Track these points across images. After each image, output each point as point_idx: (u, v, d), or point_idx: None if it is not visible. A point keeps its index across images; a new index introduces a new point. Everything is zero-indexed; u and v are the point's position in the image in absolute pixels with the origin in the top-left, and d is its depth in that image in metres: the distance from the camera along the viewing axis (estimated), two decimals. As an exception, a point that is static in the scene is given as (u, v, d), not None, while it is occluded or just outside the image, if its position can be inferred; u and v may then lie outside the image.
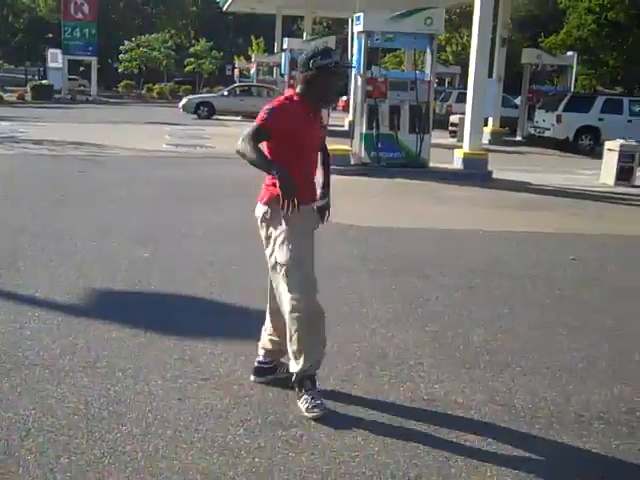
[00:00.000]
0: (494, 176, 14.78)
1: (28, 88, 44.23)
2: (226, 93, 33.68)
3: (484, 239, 9.17)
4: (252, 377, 4.48)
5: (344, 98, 31.92)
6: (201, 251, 7.79)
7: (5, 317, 5.44)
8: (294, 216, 3.95)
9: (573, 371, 4.90)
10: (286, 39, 26.92)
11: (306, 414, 4.03)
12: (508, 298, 6.57)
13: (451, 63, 44.75)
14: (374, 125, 14.89)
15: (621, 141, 15.14)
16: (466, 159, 15.14)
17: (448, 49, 49.16)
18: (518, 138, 26.11)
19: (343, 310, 5.80)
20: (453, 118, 24.65)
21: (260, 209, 4.19)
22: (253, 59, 42.88)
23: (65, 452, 3.57)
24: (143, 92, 53.11)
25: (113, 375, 4.48)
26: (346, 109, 21.47)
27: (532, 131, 24.54)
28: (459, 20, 45.88)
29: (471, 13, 16.34)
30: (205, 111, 31.91)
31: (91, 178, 12.95)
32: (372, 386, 4.51)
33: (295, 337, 4.05)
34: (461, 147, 15.89)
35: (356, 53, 15.25)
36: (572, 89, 27.73)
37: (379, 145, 14.94)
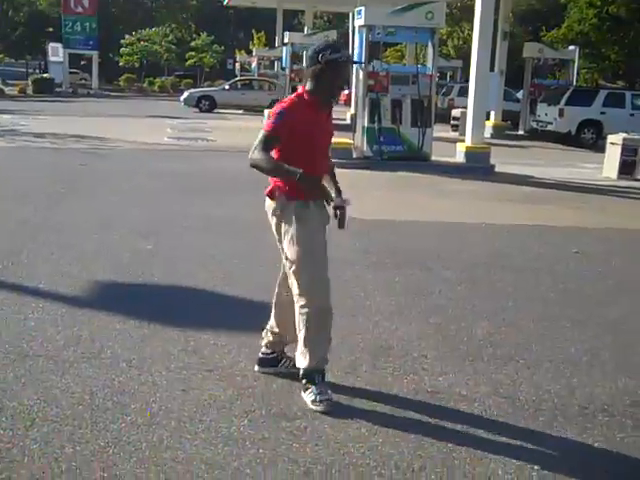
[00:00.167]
0: (496, 170, 14.76)
1: (29, 82, 44.24)
2: (227, 87, 33.68)
3: (487, 232, 9.16)
4: (256, 367, 4.49)
5: (346, 92, 31.92)
6: (203, 244, 7.79)
7: (9, 308, 5.44)
8: (305, 212, 3.97)
9: (577, 364, 4.90)
10: (287, 33, 26.91)
11: (312, 407, 4.02)
12: (511, 291, 6.57)
13: (452, 57, 44.68)
14: (376, 119, 14.88)
15: (624, 135, 15.12)
16: (468, 153, 15.12)
17: (449, 43, 49.06)
18: (520, 132, 26.06)
19: (347, 303, 5.79)
20: (455, 112, 24.61)
21: (269, 204, 4.14)
22: (254, 53, 42.85)
23: (70, 442, 3.57)
24: (144, 86, 53.05)
25: (117, 366, 4.49)
26: (348, 103, 21.44)
27: (534, 125, 24.50)
28: (460, 14, 45.77)
29: (472, 7, 16.32)
30: (206, 105, 31.89)
31: (93, 171, 12.94)
32: (376, 378, 4.51)
33: (303, 333, 4.05)
34: (463, 141, 15.87)
35: (357, 47, 15.22)
36: (574, 83, 27.67)
37: (381, 139, 14.93)
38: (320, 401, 4.03)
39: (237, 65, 51.34)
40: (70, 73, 49.66)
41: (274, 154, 3.98)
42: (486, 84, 15.58)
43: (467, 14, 40.41)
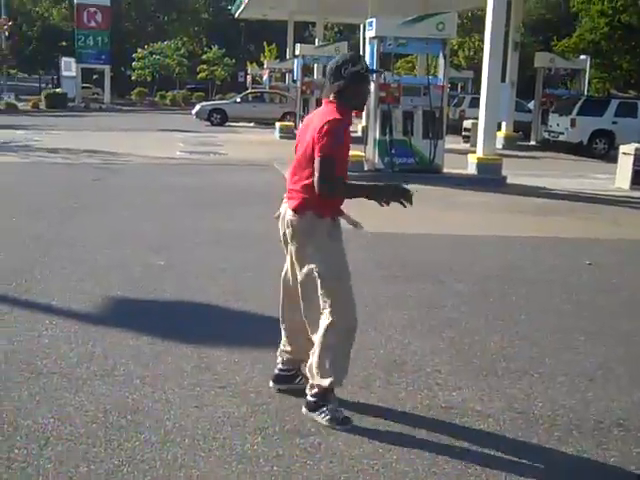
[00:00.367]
0: (508, 181, 14.74)
1: (42, 97, 44.60)
2: (239, 100, 33.83)
3: (499, 245, 9.14)
4: (271, 384, 4.46)
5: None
6: (215, 258, 7.80)
7: (23, 325, 5.47)
8: (336, 230, 3.98)
9: (592, 377, 4.87)
10: (298, 45, 26.93)
11: (327, 425, 3.98)
12: (524, 304, 6.54)
13: (463, 68, 44.69)
14: (387, 131, 14.89)
15: (636, 145, 15.04)
16: (480, 164, 15.10)
17: (460, 54, 49.11)
18: (532, 143, 26.03)
19: (359, 317, 5.75)
20: (466, 123, 24.60)
21: (295, 220, 4.02)
22: (265, 65, 43.01)
23: (84, 461, 3.58)
24: (156, 99, 53.37)
25: (131, 383, 4.49)
26: (359, 115, 21.46)
27: (546, 135, 24.46)
28: (471, 25, 45.86)
29: (483, 17, 16.33)
30: (218, 118, 32.03)
31: (105, 186, 13.00)
32: (389, 393, 4.50)
33: (327, 350, 3.98)
34: (475, 152, 15.85)
35: (369, 59, 15.23)
36: (585, 93, 27.62)
37: (393, 151, 14.93)
38: (340, 420, 4.00)
39: (248, 78, 51.53)
40: (83, 88, 50.08)
41: (312, 170, 3.92)
42: (497, 95, 15.58)
43: (478, 24, 40.47)
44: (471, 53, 48.25)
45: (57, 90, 47.43)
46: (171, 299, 6.35)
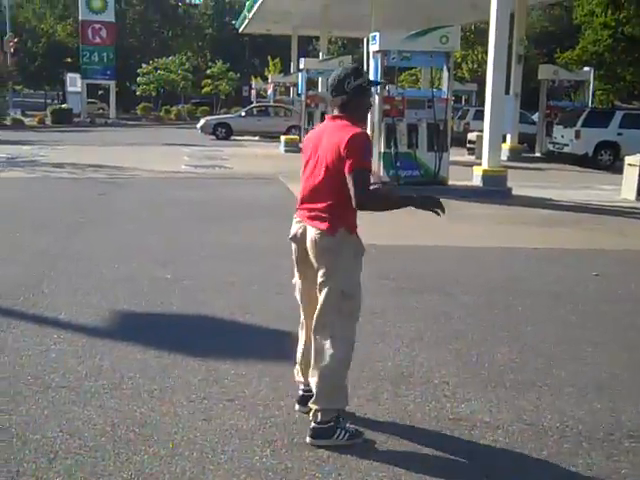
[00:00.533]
0: (514, 193, 14.74)
1: (48, 112, 44.81)
2: (243, 114, 33.93)
3: (505, 256, 9.14)
4: (297, 407, 4.34)
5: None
6: (221, 272, 7.81)
7: (31, 340, 5.48)
8: (360, 246, 3.98)
9: (600, 388, 4.86)
10: (302, 59, 27.05)
11: (349, 443, 3.94)
12: (530, 315, 6.53)
13: (467, 80, 44.82)
14: (392, 143, 14.92)
15: (641, 156, 15.04)
16: (485, 176, 15.12)
17: (464, 66, 49.26)
18: (537, 154, 26.05)
19: (366, 329, 5.77)
20: (471, 135, 24.64)
21: (325, 239, 3.90)
22: (270, 80, 43.13)
23: (93, 475, 3.58)
24: (161, 114, 53.53)
25: (139, 396, 4.49)
26: (364, 128, 21.54)
27: (551, 147, 24.47)
28: (474, 37, 46.01)
29: (486, 30, 16.40)
30: (223, 132, 32.13)
31: (111, 200, 13.04)
32: (397, 405, 4.49)
33: (338, 370, 3.93)
34: (480, 164, 15.87)
35: (373, 72, 15.29)
36: (590, 104, 27.65)
37: (398, 164, 14.95)
38: (358, 434, 3.99)
39: (253, 92, 51.71)
40: (88, 103, 50.33)
41: (338, 187, 3.87)
42: (501, 107, 15.60)
43: (481, 37, 40.60)
44: (475, 66, 48.37)
45: (63, 106, 47.69)
46: (178, 312, 6.36)
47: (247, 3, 36.24)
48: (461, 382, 4.90)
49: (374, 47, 15.21)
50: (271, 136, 30.83)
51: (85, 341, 5.50)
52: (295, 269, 4.22)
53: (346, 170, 3.79)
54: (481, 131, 17.47)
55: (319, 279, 3.99)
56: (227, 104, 59.09)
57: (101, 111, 55.00)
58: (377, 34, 15.19)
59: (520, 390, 4.79)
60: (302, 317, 4.26)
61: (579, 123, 22.85)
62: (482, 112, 17.27)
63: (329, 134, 3.96)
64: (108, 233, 9.87)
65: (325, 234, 3.90)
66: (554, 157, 24.11)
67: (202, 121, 33.84)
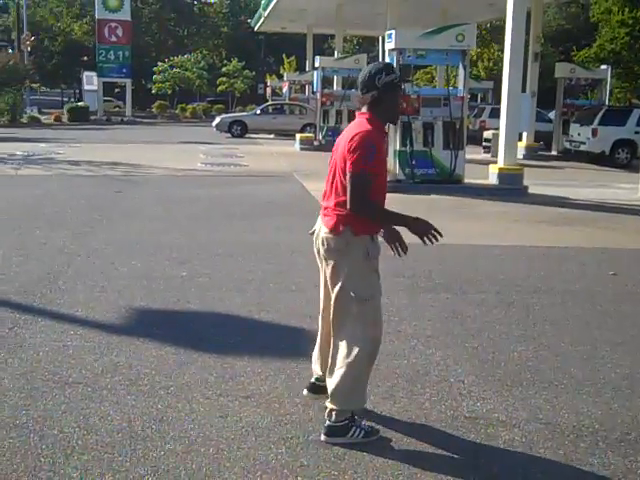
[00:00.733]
0: (530, 191, 14.69)
1: (64, 110, 45.05)
2: (259, 112, 33.96)
3: (521, 254, 9.10)
4: (305, 391, 4.39)
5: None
6: (237, 269, 7.82)
7: (48, 336, 5.51)
8: (373, 247, 3.90)
9: (617, 388, 4.83)
10: (318, 57, 27.03)
11: (364, 440, 3.93)
12: (547, 314, 6.50)
13: (483, 78, 44.66)
14: (408, 142, 14.89)
15: (659, 154, 14.96)
16: (501, 174, 15.07)
17: (479, 64, 49.08)
18: (553, 153, 25.91)
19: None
20: (487, 134, 24.54)
21: (332, 239, 3.92)
22: (285, 78, 43.15)
23: (109, 470, 3.59)
24: (176, 112, 53.73)
25: (155, 393, 4.51)
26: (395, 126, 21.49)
27: (567, 145, 24.35)
28: (490, 35, 45.83)
29: (501, 28, 16.34)
30: (238, 130, 32.18)
31: (127, 198, 13.09)
32: (413, 404, 4.48)
33: (355, 370, 3.90)
34: (496, 162, 15.82)
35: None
36: (607, 102, 27.48)
37: (413, 162, 14.93)
38: (370, 432, 3.97)
39: (268, 90, 51.78)
40: (104, 101, 50.51)
41: (343, 187, 3.86)
42: (518, 105, 15.53)
43: (496, 35, 40.44)
44: (490, 64, 48.19)
45: (79, 104, 47.89)
46: (194, 309, 6.37)
47: (263, 1, 36.25)
48: (477, 381, 4.88)
49: (390, 45, 15.18)
50: (286, 134, 30.85)
51: (102, 337, 5.52)
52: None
53: (347, 170, 3.79)
54: (497, 129, 17.41)
55: (328, 278, 4.01)
56: (242, 102, 59.20)
57: (117, 109, 55.25)
58: (393, 32, 15.16)
59: (537, 389, 4.77)
60: (321, 307, 4.25)
61: (596, 121, 22.72)
62: (498, 110, 17.23)
63: (348, 131, 3.95)
64: (124, 230, 9.90)
65: (330, 232, 3.92)
66: (570, 155, 24.00)
67: (217, 119, 33.91)
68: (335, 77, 29.49)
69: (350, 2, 28.41)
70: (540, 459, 3.86)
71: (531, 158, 22.83)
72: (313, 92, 30.85)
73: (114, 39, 48.41)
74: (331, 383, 3.98)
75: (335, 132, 25.23)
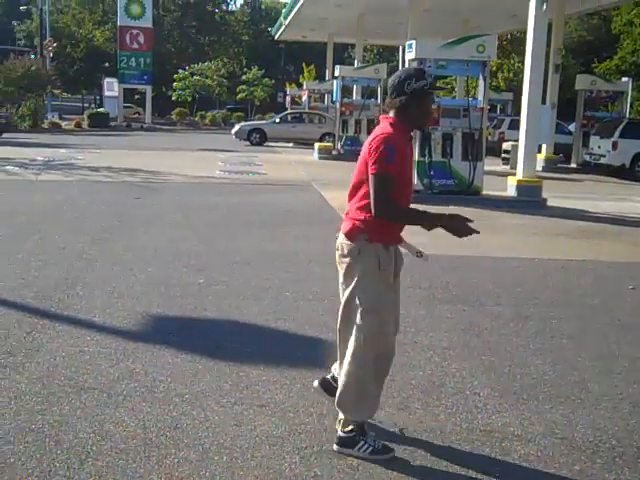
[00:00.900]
0: (549, 204, 14.61)
1: (85, 116, 45.35)
2: (278, 120, 34.04)
3: (539, 267, 9.05)
4: (315, 383, 4.35)
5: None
6: (255, 277, 7.82)
7: (65, 341, 5.54)
8: (386, 256, 3.84)
9: (636, 403, 4.78)
10: (338, 66, 27.08)
11: (370, 457, 3.89)
12: (565, 328, 6.46)
13: (502, 89, 44.54)
14: (426, 152, 14.87)
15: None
16: (520, 186, 15.00)
17: (499, 75, 48.95)
18: (573, 165, 25.79)
19: (398, 338, 5.70)
20: (506, 145, 24.48)
21: (346, 244, 3.91)
22: (304, 86, 43.28)
23: (123, 476, 3.60)
24: (196, 119, 53.98)
25: (170, 400, 4.52)
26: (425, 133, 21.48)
27: (587, 158, 24.23)
28: (510, 46, 45.74)
29: (522, 39, 16.30)
30: (257, 138, 32.30)
31: (146, 204, 13.14)
32: (428, 415, 4.47)
33: (355, 383, 3.89)
34: (514, 174, 15.76)
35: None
36: (627, 115, 27.33)
37: (432, 172, 14.89)
38: (380, 450, 3.91)
39: (288, 98, 51.95)
40: (124, 107, 50.88)
41: (364, 192, 3.82)
42: (538, 117, 15.48)
43: (517, 46, 40.36)
44: (510, 75, 48.07)
45: (100, 110, 48.22)
46: (210, 317, 6.38)
47: (283, 10, 36.44)
48: (493, 394, 4.86)
49: (410, 55, 15.19)
50: (305, 143, 30.93)
51: (118, 344, 5.54)
52: None
53: (369, 172, 3.75)
54: (516, 141, 17.35)
55: (340, 283, 4.00)
56: (262, 110, 59.38)
57: (137, 115, 55.57)
58: (413, 42, 15.16)
59: (553, 403, 4.74)
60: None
61: (616, 134, 22.60)
62: (517, 121, 17.18)
63: (370, 135, 3.92)
64: (143, 237, 9.95)
65: (345, 237, 3.91)
66: (590, 168, 23.88)
67: (237, 127, 34.05)
68: (355, 86, 29.53)
69: (371, 12, 28.48)
70: (555, 474, 3.83)
71: (550, 170, 22.74)
72: (332, 101, 30.91)
73: (135, 46, 48.79)
74: (338, 390, 3.99)
75: (354, 142, 25.31)
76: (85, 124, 43.12)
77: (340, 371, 4.02)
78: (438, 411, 4.54)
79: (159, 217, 11.71)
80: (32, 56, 50.26)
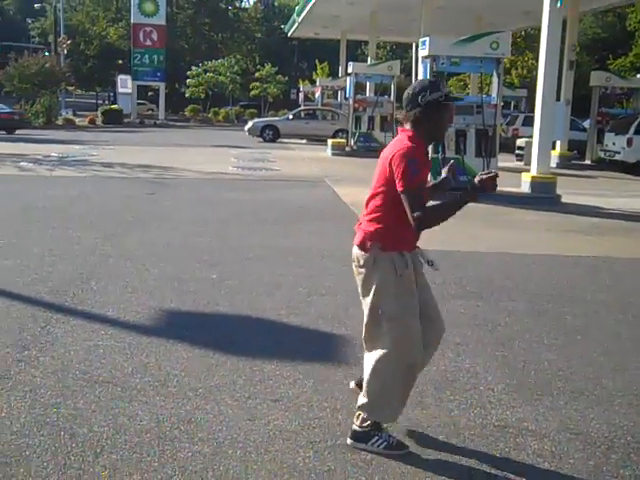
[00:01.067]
0: (563, 200, 14.55)
1: (99, 113, 45.54)
2: (291, 117, 34.06)
3: (553, 263, 9.02)
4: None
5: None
6: (268, 273, 7.83)
7: (79, 335, 5.56)
8: (401, 263, 3.81)
9: (650, 400, 4.76)
10: (351, 63, 27.05)
11: (384, 453, 3.88)
12: (579, 324, 6.43)
13: (516, 86, 44.40)
14: (440, 149, 14.83)
15: (695, 165, 14.75)
16: (534, 183, 14.94)
17: (513, 72, 48.82)
18: (587, 162, 25.67)
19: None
20: (520, 142, 24.39)
21: (360, 255, 3.90)
22: (318, 83, 43.25)
23: (137, 470, 3.61)
24: (209, 116, 54.07)
25: (184, 394, 4.53)
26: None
27: (601, 154, 24.12)
28: (524, 43, 45.56)
29: (536, 36, 16.23)
30: (270, 134, 32.33)
31: (159, 200, 13.18)
32: (442, 411, 4.45)
33: (378, 385, 3.86)
34: (528, 171, 15.70)
35: (422, 77, 15.24)
36: (642, 112, 27.18)
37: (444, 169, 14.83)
38: (395, 446, 3.90)
39: (301, 95, 51.97)
40: (138, 104, 51.05)
41: (390, 208, 3.80)
42: (552, 113, 15.40)
43: (531, 43, 40.20)
44: (524, 72, 47.91)
45: (113, 106, 48.40)
46: (223, 312, 6.39)
47: (297, 7, 36.42)
48: (507, 389, 4.84)
49: (423, 52, 15.16)
50: (318, 139, 30.91)
51: (132, 338, 5.56)
52: None
53: (398, 189, 3.72)
54: (530, 137, 17.29)
55: (360, 296, 3.98)
56: (275, 107, 59.38)
57: (150, 112, 55.76)
58: (427, 39, 15.13)
59: (567, 399, 4.71)
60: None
61: (631, 131, 22.48)
62: (531, 118, 17.10)
63: (388, 149, 3.89)
64: (156, 232, 9.97)
65: (359, 249, 3.91)
66: (604, 165, 23.76)
67: (250, 123, 34.10)
68: (368, 83, 29.48)
69: (384, 9, 28.43)
70: (569, 470, 3.81)
71: (564, 167, 22.63)
72: (346, 98, 30.88)
73: (149, 43, 48.95)
74: (362, 392, 3.98)
75: (367, 138, 25.30)
76: (99, 121, 43.32)
77: (364, 376, 3.99)
78: (452, 406, 4.53)
79: (172, 213, 11.74)
80: (46, 53, 50.60)
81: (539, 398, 4.71)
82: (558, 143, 23.61)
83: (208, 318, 6.25)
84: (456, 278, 7.87)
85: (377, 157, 3.96)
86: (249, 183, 16.62)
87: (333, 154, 25.57)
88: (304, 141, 32.67)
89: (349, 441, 3.95)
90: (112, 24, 66.90)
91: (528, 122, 23.38)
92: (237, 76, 58.96)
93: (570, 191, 15.35)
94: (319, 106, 37.36)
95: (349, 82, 26.84)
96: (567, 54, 23.65)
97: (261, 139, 32.03)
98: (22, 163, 18.85)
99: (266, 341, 5.69)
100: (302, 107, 38.70)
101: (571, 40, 23.92)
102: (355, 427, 3.96)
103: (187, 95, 58.61)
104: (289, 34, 44.54)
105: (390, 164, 3.74)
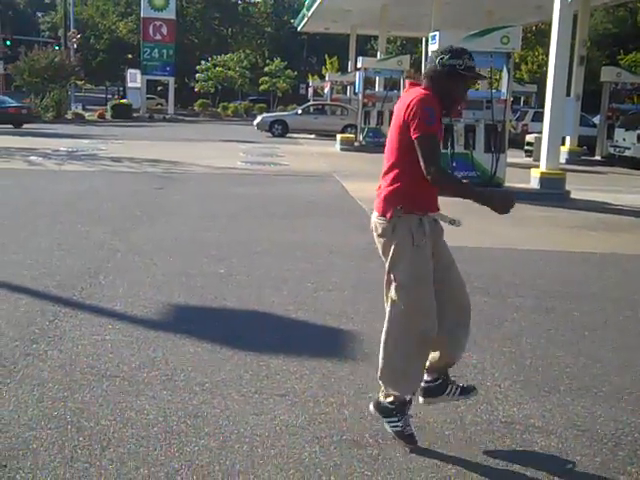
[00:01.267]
0: (572, 196, 14.50)
1: (108, 107, 45.66)
2: (300, 111, 34.04)
3: (561, 260, 8.99)
4: (420, 399, 4.16)
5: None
6: (275, 268, 7.83)
7: (87, 329, 5.58)
8: (420, 230, 3.74)
9: (658, 397, 4.74)
10: (360, 58, 27.01)
11: (393, 436, 3.91)
12: (588, 320, 6.41)
13: (526, 81, 44.23)
14: (449, 144, 14.78)
15: None
16: (543, 179, 14.89)
17: (523, 67, 48.63)
18: (597, 157, 25.57)
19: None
20: (529, 137, 24.32)
21: (379, 224, 3.84)
22: (327, 78, 43.20)
23: (144, 464, 3.62)
24: (218, 110, 54.09)
25: (191, 389, 4.54)
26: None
27: (611, 150, 24.02)
28: (534, 38, 45.39)
29: (546, 31, 16.16)
30: (279, 129, 32.33)
31: (168, 194, 13.20)
32: (449, 406, 4.44)
33: (395, 357, 3.86)
34: (537, 166, 15.65)
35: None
36: (653, 107, 27.06)
37: (454, 164, 14.80)
38: (405, 436, 3.90)
39: (310, 90, 51.90)
40: (147, 99, 51.12)
41: (407, 164, 3.73)
42: (562, 109, 15.35)
43: (541, 38, 40.03)
44: (534, 67, 47.72)
45: (123, 101, 48.52)
46: (231, 307, 6.40)
47: (306, 2, 36.34)
48: (514, 385, 4.83)
49: (433, 46, 15.10)
50: (327, 134, 30.90)
51: (139, 332, 5.57)
52: None
53: (412, 137, 3.64)
54: (539, 133, 17.22)
55: (380, 253, 3.95)
56: (284, 102, 59.43)
57: (160, 107, 55.84)
58: (437, 33, 15.07)
59: (574, 396, 4.70)
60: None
61: (642, 126, 22.38)
62: (541, 114, 17.05)
63: (401, 101, 3.81)
64: (164, 227, 9.99)
65: (380, 216, 3.84)
66: (614, 161, 23.66)
67: (259, 118, 34.12)
68: (377, 78, 29.44)
69: (394, 3, 28.35)
70: (577, 467, 3.81)
71: (574, 163, 22.55)
72: (355, 93, 30.86)
73: (158, 37, 49.01)
74: (379, 363, 3.98)
75: (376, 133, 25.25)
76: (108, 115, 43.43)
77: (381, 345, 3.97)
78: (458, 402, 4.51)
79: (180, 207, 11.75)
80: (56, 47, 50.66)
81: (546, 395, 4.70)
82: (568, 139, 23.53)
83: (215, 313, 6.26)
84: (463, 274, 7.80)
85: (386, 152, 3.92)
86: (257, 178, 16.62)
87: (342, 149, 25.55)
88: (313, 136, 32.65)
89: (371, 407, 4.00)
90: (122, 18, 67.04)
91: (538, 118, 23.31)
92: (246, 71, 58.97)
93: (579, 187, 15.30)
94: (328, 101, 37.33)
95: (358, 77, 26.80)
96: (578, 49, 23.55)
97: (270, 134, 32.02)
98: (31, 157, 18.91)
99: (273, 336, 5.70)
100: (311, 102, 38.71)
101: (582, 35, 23.81)
102: (381, 398, 3.96)
103: (196, 90, 58.67)
104: (299, 29, 44.47)
105: (407, 109, 3.66)
